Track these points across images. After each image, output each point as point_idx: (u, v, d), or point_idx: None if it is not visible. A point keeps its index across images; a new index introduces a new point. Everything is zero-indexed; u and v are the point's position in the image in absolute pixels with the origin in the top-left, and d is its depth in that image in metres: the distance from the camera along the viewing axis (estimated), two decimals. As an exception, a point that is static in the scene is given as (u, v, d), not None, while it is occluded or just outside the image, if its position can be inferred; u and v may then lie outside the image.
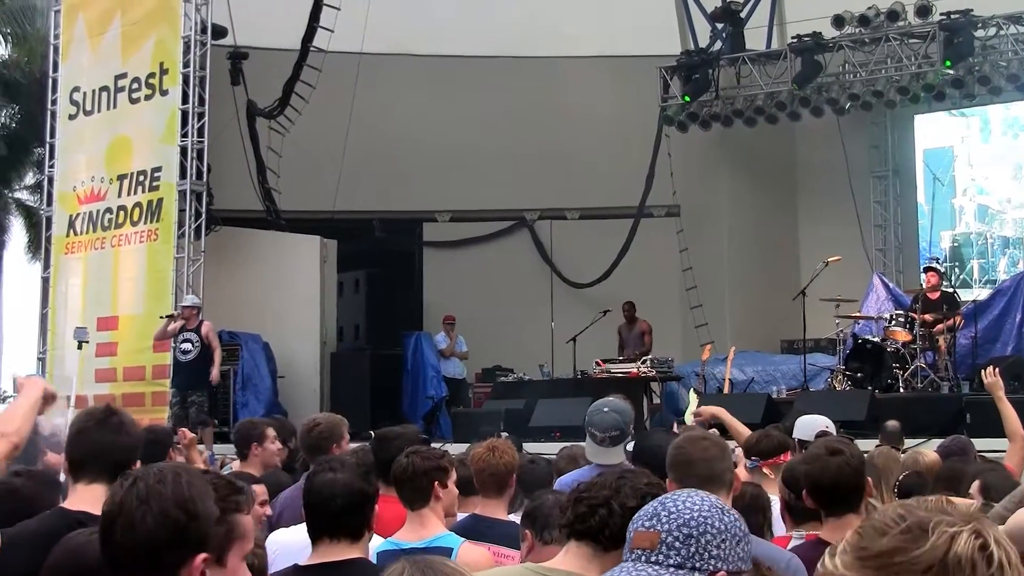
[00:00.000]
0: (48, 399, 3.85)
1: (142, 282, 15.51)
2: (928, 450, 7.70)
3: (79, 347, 14.13)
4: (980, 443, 7.82)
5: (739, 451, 6.00)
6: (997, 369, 6.92)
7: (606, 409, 5.31)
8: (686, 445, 3.82)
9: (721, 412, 6.58)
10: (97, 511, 3.18)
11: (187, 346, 14.06)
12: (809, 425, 6.19)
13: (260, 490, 4.73)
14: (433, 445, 5.08)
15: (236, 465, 6.39)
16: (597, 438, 5.15)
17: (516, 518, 4.54)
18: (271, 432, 6.24)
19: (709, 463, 3.69)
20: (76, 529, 2.69)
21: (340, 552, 3.49)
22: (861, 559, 1.47)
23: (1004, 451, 6.60)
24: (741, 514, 2.03)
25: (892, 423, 9.36)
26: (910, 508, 1.50)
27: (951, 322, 13.75)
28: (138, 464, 3.34)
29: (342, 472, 3.60)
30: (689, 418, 10.62)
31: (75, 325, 15.16)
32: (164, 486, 2.03)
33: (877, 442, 8.52)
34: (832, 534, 3.71)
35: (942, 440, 7.55)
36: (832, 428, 6.24)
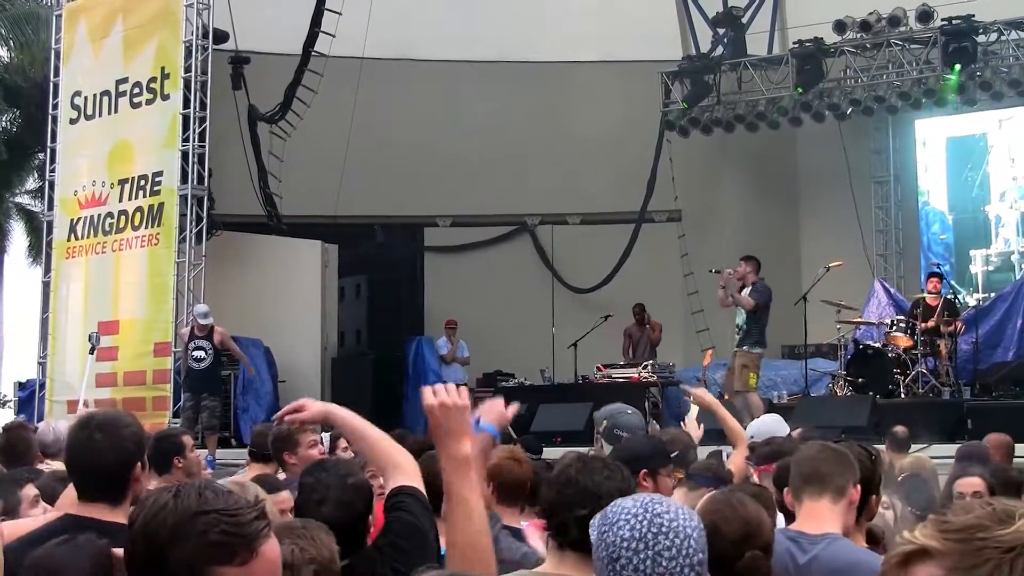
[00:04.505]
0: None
1: (143, 287, 15.50)
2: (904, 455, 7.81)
3: (91, 351, 14.21)
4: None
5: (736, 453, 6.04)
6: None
7: (630, 411, 5.42)
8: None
9: (716, 404, 6.57)
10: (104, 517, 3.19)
11: (200, 354, 14.06)
12: (761, 428, 6.21)
13: (285, 496, 4.54)
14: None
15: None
16: (622, 440, 5.17)
17: (525, 523, 4.53)
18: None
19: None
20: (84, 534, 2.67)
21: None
22: (943, 531, 1.48)
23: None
24: None
25: (900, 429, 9.35)
26: (995, 499, 1.52)
27: (952, 328, 13.72)
28: (137, 469, 3.36)
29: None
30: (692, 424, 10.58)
31: (76, 329, 15.49)
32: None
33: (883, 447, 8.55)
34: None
35: (959, 446, 7.62)
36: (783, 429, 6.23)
